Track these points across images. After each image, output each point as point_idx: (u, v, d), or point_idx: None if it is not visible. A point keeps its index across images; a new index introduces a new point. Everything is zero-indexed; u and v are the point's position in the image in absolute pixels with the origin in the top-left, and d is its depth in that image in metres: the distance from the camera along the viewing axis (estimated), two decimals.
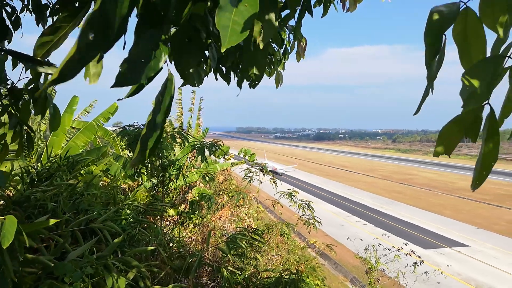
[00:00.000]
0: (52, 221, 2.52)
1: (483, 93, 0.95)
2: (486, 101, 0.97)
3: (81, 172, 6.34)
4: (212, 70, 2.13)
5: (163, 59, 0.97)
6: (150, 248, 3.58)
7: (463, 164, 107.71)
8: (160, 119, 1.03)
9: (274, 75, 2.93)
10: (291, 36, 2.83)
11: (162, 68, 0.99)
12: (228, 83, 2.43)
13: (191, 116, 13.33)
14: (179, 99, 13.22)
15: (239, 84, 2.22)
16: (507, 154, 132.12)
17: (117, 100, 1.15)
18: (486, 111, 1.01)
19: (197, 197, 9.57)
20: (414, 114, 1.17)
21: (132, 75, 0.90)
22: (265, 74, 3.00)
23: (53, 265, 2.30)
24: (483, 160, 1.03)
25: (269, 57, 2.77)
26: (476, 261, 27.01)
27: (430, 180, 72.51)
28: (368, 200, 49.64)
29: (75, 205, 4.65)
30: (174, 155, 9.92)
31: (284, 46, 2.86)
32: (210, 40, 1.60)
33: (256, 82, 1.94)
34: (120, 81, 0.88)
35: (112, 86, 0.88)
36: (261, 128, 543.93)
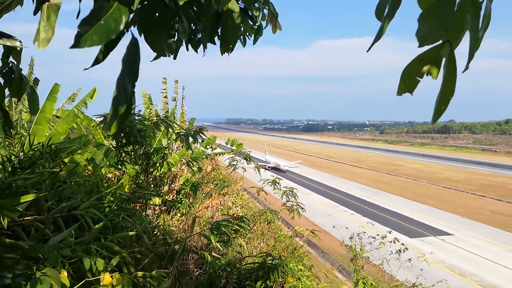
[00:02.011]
0: (24, 198, 2.51)
1: (438, 31, 0.99)
2: (446, 39, 1.00)
3: (65, 160, 6.27)
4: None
5: (123, 21, 0.96)
6: (131, 233, 3.58)
7: (448, 155, 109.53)
8: (128, 81, 1.02)
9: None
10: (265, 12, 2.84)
11: (124, 31, 0.98)
12: (197, 51, 2.46)
13: (176, 105, 13.26)
14: (164, 89, 13.14)
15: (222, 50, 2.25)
16: (491, 145, 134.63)
17: (84, 69, 1.13)
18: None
19: (184, 186, 9.56)
20: (368, 50, 1.20)
21: (92, 36, 0.89)
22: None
23: (28, 246, 2.29)
24: (442, 95, 1.08)
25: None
26: (460, 249, 27.64)
27: (416, 170, 73.56)
28: (356, 191, 50.20)
29: (57, 192, 4.61)
30: (162, 145, 9.88)
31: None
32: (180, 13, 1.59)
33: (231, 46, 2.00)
34: (79, 42, 0.87)
35: (71, 47, 0.87)
36: (251, 119, 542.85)
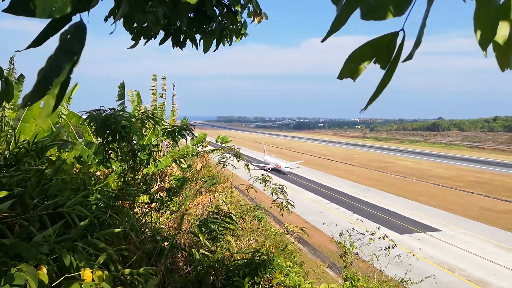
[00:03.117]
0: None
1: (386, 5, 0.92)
2: (397, 15, 0.94)
3: (52, 158, 6.19)
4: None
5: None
6: (117, 230, 3.56)
7: (438, 152, 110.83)
8: (63, 60, 0.93)
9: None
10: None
11: (71, 13, 0.91)
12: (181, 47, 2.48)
13: (164, 102, 13.19)
14: (154, 86, 13.05)
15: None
16: (479, 142, 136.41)
17: (15, 51, 1.07)
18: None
19: (174, 184, 9.52)
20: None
21: (30, 3, 0.83)
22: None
23: (9, 244, 2.26)
24: (381, 84, 1.04)
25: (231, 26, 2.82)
26: (449, 245, 28.00)
27: (406, 167, 74.28)
28: (347, 188, 50.51)
29: (43, 190, 4.56)
30: (153, 143, 9.80)
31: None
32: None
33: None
34: (13, 7, 0.81)
35: (4, 11, 0.81)
36: (242, 117, 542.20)
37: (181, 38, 2.76)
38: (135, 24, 2.53)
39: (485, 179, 61.02)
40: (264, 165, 63.26)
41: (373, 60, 1.03)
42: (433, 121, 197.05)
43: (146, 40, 2.65)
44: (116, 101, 11.65)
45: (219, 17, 2.70)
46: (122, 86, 11.75)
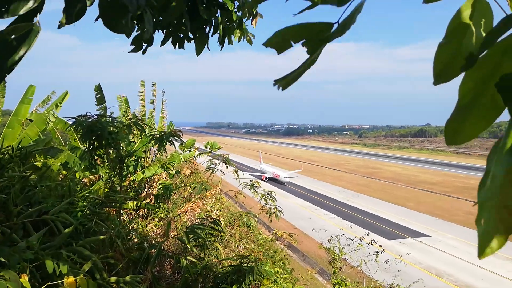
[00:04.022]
0: None
1: None
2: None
3: (37, 164, 6.10)
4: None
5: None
6: (102, 237, 3.50)
7: (425, 158, 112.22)
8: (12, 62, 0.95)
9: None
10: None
11: (31, 14, 0.91)
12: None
13: (154, 108, 13.08)
14: (142, 92, 12.96)
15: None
16: (465, 148, 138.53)
17: None
18: None
19: (161, 190, 9.44)
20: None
21: None
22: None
23: None
24: (302, 65, 1.02)
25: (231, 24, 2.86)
26: (437, 251, 28.25)
27: (394, 173, 74.95)
28: (335, 194, 50.73)
29: (27, 197, 4.49)
30: (141, 150, 9.72)
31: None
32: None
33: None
34: None
35: None
36: (232, 123, 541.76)
37: (182, 37, 2.78)
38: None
39: (472, 185, 61.80)
40: (261, 174, 59.17)
41: (302, 42, 1.02)
42: (420, 128, 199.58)
43: (146, 45, 2.65)
44: (96, 105, 11.09)
45: (213, 18, 2.73)
46: (98, 89, 11.09)
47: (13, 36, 0.92)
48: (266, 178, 57.52)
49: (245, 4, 2.79)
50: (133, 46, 2.54)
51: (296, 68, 1.02)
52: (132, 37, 2.55)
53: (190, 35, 2.75)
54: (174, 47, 2.79)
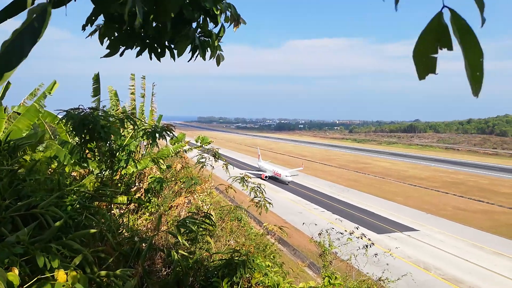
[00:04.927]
0: None
1: None
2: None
3: (26, 158, 6.02)
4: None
5: None
6: (92, 230, 3.49)
7: (414, 153, 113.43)
8: (27, 45, 0.98)
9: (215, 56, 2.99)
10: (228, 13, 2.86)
11: None
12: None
13: (143, 102, 12.98)
14: (132, 85, 12.85)
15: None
16: (454, 144, 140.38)
17: None
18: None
19: (152, 185, 9.40)
20: None
21: None
22: (210, 55, 3.04)
23: None
24: (469, 60, 1.04)
25: (207, 39, 2.83)
26: (425, 244, 28.70)
27: (384, 168, 75.70)
28: (326, 188, 51.09)
29: (16, 191, 4.43)
30: (133, 144, 9.64)
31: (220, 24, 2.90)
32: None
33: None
34: None
35: None
36: (223, 118, 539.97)
37: (159, 49, 2.73)
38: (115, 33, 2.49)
39: (460, 180, 62.84)
40: (260, 172, 55.35)
41: (438, 46, 1.06)
42: (410, 123, 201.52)
43: (124, 48, 2.61)
44: (92, 96, 11.09)
45: (197, 22, 2.70)
46: (96, 79, 11.03)
47: (34, 16, 0.95)
48: (266, 176, 53.85)
49: (229, 8, 2.78)
50: (108, 51, 2.51)
51: (474, 70, 1.09)
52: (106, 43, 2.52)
53: (171, 44, 2.72)
54: (150, 59, 2.75)
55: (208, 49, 2.87)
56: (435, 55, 1.07)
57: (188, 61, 2.78)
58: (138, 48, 2.64)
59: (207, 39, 2.81)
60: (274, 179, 54.18)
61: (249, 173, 49.04)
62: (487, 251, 27.25)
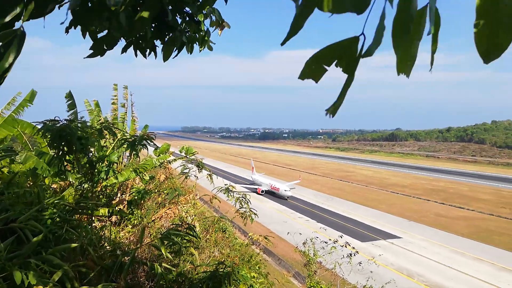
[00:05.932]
0: None
1: None
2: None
3: (3, 170, 5.87)
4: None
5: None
6: (74, 245, 3.41)
7: (396, 161, 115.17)
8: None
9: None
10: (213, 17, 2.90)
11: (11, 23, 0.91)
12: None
13: (126, 112, 12.85)
14: (115, 95, 12.71)
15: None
16: (434, 151, 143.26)
17: None
18: None
19: (135, 197, 9.26)
20: None
21: None
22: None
23: None
24: (344, 87, 1.09)
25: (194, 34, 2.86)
26: (408, 252, 28.99)
27: (366, 176, 76.51)
28: (310, 197, 51.21)
29: None
30: (114, 154, 9.50)
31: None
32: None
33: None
34: None
35: None
36: (207, 127, 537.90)
37: (144, 46, 2.74)
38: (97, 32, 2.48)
39: (441, 187, 64.00)
40: (255, 186, 51.42)
41: (334, 63, 1.07)
42: (391, 132, 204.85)
43: (106, 49, 2.60)
44: (67, 111, 11.03)
45: (181, 26, 2.72)
46: (69, 96, 11.00)
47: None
48: (262, 191, 49.52)
49: (214, 13, 2.82)
50: (91, 51, 2.50)
51: (339, 92, 1.10)
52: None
53: (159, 43, 2.74)
54: (136, 55, 2.75)
55: (196, 43, 2.89)
56: (327, 68, 1.09)
57: (174, 57, 2.80)
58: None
59: (194, 34, 2.83)
60: (271, 194, 49.84)
61: (243, 187, 47.33)
62: (468, 257, 27.70)
